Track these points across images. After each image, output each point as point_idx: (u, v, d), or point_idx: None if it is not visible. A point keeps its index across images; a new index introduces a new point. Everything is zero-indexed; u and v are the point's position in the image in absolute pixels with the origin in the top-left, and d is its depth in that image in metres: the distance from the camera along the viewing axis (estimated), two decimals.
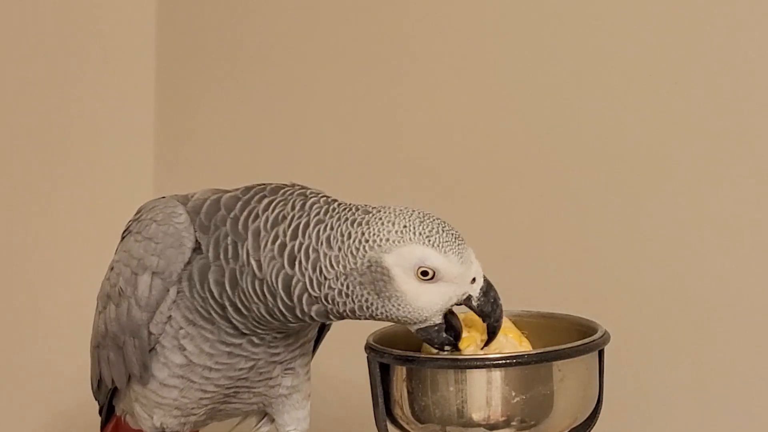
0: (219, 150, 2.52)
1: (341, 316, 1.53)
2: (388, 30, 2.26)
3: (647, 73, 1.95)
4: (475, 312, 1.52)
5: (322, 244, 1.49)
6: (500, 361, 1.53)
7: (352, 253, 1.48)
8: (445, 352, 1.54)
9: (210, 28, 2.54)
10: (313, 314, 1.52)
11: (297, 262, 1.50)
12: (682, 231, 1.91)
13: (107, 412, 1.83)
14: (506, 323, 1.63)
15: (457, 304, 1.52)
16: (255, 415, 1.77)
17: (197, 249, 1.56)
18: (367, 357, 1.61)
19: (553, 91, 2.05)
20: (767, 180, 1.84)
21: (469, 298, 1.51)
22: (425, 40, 2.21)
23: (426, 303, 1.49)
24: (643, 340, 1.93)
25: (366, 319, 1.53)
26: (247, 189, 1.58)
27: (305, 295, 1.50)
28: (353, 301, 1.49)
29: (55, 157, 2.49)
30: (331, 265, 1.49)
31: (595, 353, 1.60)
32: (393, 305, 1.49)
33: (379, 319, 1.53)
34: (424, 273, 1.48)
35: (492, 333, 1.53)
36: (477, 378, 1.53)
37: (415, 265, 1.48)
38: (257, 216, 1.53)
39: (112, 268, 1.66)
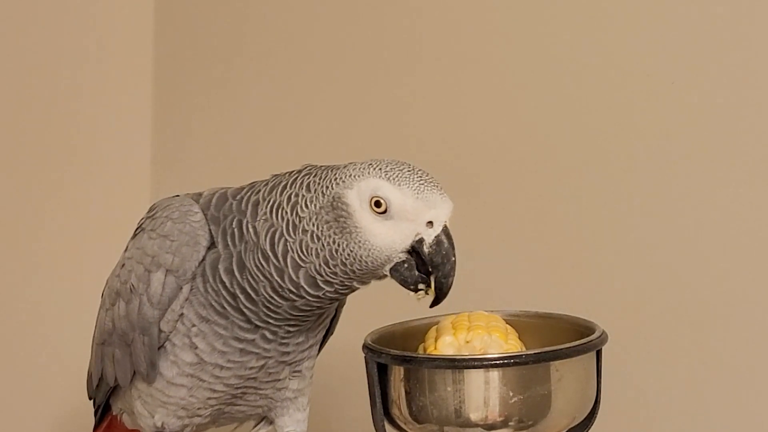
0: (216, 151, 2.52)
1: (326, 281, 1.52)
2: (388, 30, 2.26)
3: (645, 73, 1.95)
4: (426, 261, 1.49)
5: (302, 188, 1.53)
6: (498, 362, 1.53)
7: (322, 192, 1.51)
8: (420, 292, 1.51)
9: (207, 29, 2.54)
10: (302, 282, 1.52)
11: (280, 209, 1.53)
12: (680, 231, 1.91)
13: (102, 411, 1.83)
14: (491, 321, 1.63)
15: (412, 248, 1.49)
16: (255, 418, 1.77)
17: (211, 246, 1.58)
18: (365, 357, 1.61)
19: (551, 91, 2.05)
20: (765, 180, 1.84)
21: (422, 242, 1.49)
22: (425, 43, 2.21)
23: (382, 241, 1.49)
24: (640, 340, 1.92)
25: (347, 277, 1.51)
26: (252, 183, 1.62)
27: (289, 255, 1.52)
28: (324, 247, 1.50)
29: (52, 158, 2.49)
30: (306, 206, 1.51)
31: (593, 353, 1.60)
32: (355, 243, 1.49)
33: (352, 273, 1.51)
34: (377, 204, 1.48)
35: (439, 290, 1.50)
36: (475, 378, 1.53)
37: (369, 196, 1.49)
38: (258, 191, 1.57)
39: (122, 265, 1.66)
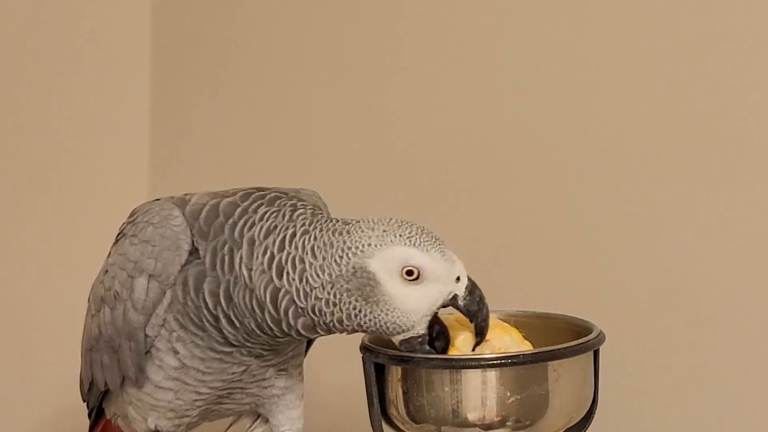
0: (213, 152, 2.52)
1: (328, 329, 1.53)
2: (385, 32, 2.26)
3: (641, 73, 1.95)
4: (462, 312, 1.51)
5: (307, 253, 1.50)
6: (495, 361, 1.53)
7: (335, 261, 1.49)
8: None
9: (205, 30, 2.54)
10: (299, 328, 1.53)
11: (285, 273, 1.51)
12: (677, 231, 1.92)
13: (96, 414, 1.83)
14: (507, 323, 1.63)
15: (443, 306, 1.51)
16: (249, 416, 1.78)
17: (193, 252, 1.57)
18: (362, 357, 1.61)
19: (549, 91, 2.05)
20: (762, 180, 1.85)
21: (455, 297, 1.50)
22: (421, 44, 2.21)
23: (414, 306, 1.49)
24: (638, 340, 1.93)
25: (353, 330, 1.52)
26: (246, 195, 1.59)
27: (292, 308, 1.51)
28: (341, 310, 1.50)
29: (49, 159, 2.49)
30: (317, 274, 1.50)
31: (591, 353, 1.60)
32: (381, 310, 1.49)
33: (366, 330, 1.52)
34: (409, 273, 1.48)
35: (480, 334, 1.53)
36: (472, 378, 1.53)
37: (399, 265, 1.48)
38: (253, 224, 1.55)
39: (106, 271, 1.66)
